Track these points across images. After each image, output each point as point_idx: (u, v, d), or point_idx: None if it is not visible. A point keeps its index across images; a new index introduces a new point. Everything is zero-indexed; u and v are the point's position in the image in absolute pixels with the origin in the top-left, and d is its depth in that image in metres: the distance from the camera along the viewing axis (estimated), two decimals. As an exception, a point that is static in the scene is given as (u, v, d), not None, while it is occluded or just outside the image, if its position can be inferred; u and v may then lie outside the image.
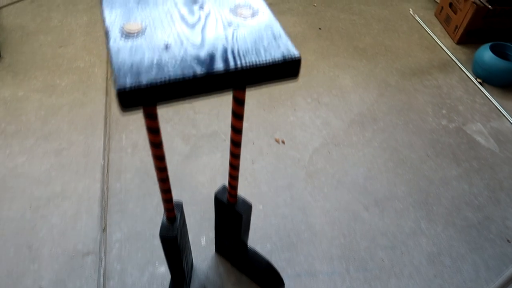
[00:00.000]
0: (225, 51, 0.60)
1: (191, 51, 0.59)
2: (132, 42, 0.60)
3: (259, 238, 1.47)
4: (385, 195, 1.63)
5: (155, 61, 0.57)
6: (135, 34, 0.62)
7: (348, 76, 2.16)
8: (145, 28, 0.63)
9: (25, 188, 1.54)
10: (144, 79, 0.54)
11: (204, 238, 1.46)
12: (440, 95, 2.12)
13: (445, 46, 2.46)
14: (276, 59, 0.60)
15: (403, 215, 1.57)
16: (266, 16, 0.69)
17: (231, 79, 0.59)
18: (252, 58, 0.60)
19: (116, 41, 0.60)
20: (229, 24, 0.66)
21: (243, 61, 0.58)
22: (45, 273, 1.32)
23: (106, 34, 0.62)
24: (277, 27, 0.66)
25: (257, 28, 0.65)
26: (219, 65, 0.57)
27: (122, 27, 0.63)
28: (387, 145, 1.82)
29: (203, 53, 0.60)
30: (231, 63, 0.58)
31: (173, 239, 1.04)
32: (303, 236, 1.48)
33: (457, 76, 2.26)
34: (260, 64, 0.59)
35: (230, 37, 0.63)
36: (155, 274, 1.34)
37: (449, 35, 2.56)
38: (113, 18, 0.65)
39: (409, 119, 1.96)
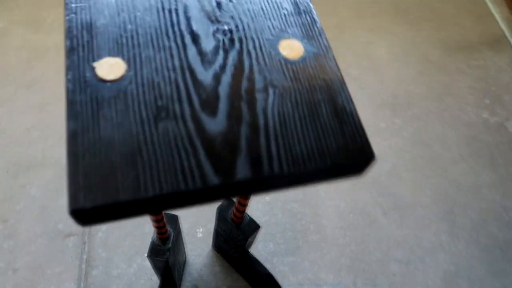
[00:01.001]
0: (256, 145, 0.37)
1: (199, 131, 0.36)
2: (104, 100, 0.37)
3: (262, 236, 1.32)
4: (407, 200, 1.45)
5: (137, 153, 0.35)
6: (111, 83, 0.38)
7: (385, 45, 1.86)
8: (129, 71, 0.39)
9: (3, 148, 1.35)
10: (117, 198, 0.32)
11: (201, 229, 1.31)
12: (485, 79, 1.84)
13: (500, 16, 2.10)
14: (339, 162, 0.37)
15: (424, 225, 1.40)
16: (325, 60, 0.44)
17: (254, 187, 0.37)
18: (300, 156, 0.37)
19: (77, 93, 0.37)
20: (266, 78, 0.41)
21: (284, 167, 0.36)
22: (20, 254, 1.19)
23: (66, 75, 0.38)
24: (344, 89, 0.42)
25: (312, 86, 0.41)
26: (244, 173, 0.35)
27: (93, 67, 0.39)
28: (418, 138, 1.60)
29: (219, 142, 0.37)
30: (265, 169, 0.35)
31: (164, 261, 0.88)
32: (311, 238, 1.33)
33: (508, 56, 1.95)
34: (311, 171, 0.36)
35: (267, 109, 0.39)
36: (143, 266, 1.21)
37: (506, 3, 2.18)
38: (80, 46, 0.40)
39: (446, 106, 1.71)
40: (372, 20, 1.96)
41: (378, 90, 1.70)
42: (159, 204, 0.34)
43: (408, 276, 1.30)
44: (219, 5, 0.46)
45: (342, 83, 0.42)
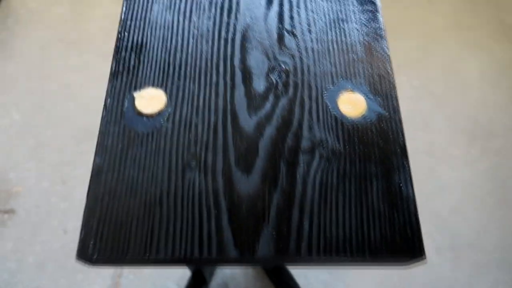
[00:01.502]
0: (286, 218, 0.33)
1: (228, 189, 0.33)
2: (136, 137, 0.35)
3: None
4: (467, 240, 1.32)
5: (157, 203, 0.32)
6: (147, 118, 0.35)
7: (477, 63, 1.67)
8: (168, 107, 0.36)
9: (72, 113, 1.43)
10: (125, 257, 0.30)
11: (241, 226, 1.29)
12: None
13: None
14: (379, 257, 0.32)
15: (481, 272, 1.27)
16: (389, 125, 0.38)
17: (275, 262, 0.32)
18: (334, 242, 0.32)
19: (111, 124, 0.35)
20: (315, 136, 0.36)
21: (314, 252, 0.31)
22: (73, 217, 1.26)
23: (105, 100, 0.36)
24: (404, 166, 0.36)
25: (366, 155, 0.36)
26: (266, 251, 0.31)
27: (133, 97, 0.36)
28: (494, 174, 1.43)
29: (247, 207, 0.33)
30: (291, 251, 0.31)
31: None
32: (351, 260, 1.27)
33: None
34: (344, 261, 0.32)
35: (308, 175, 0.35)
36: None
37: None
38: (126, 71, 0.38)
39: (536, 144, 1.51)
40: (468, 33, 1.76)
41: (458, 113, 1.54)
42: (168, 263, 0.32)
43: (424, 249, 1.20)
44: (280, 39, 0.41)
45: (404, 157, 0.36)
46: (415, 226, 0.33)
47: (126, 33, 0.40)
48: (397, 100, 0.39)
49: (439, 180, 1.40)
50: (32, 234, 1.26)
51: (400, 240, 0.33)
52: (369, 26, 0.42)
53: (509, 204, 1.38)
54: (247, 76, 0.39)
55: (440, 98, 1.57)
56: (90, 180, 0.33)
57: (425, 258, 0.33)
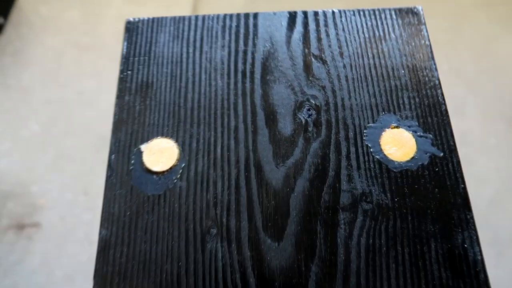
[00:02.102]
0: None
1: (256, 261, 0.28)
2: (146, 201, 0.30)
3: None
4: (509, 235, 1.23)
5: (175, 284, 0.27)
6: (158, 176, 0.30)
7: (513, 41, 1.54)
8: (181, 161, 0.31)
9: (91, 120, 1.40)
10: None
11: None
12: None
13: None
14: None
15: (526, 269, 1.19)
16: (446, 169, 0.32)
17: None
18: None
19: (116, 186, 0.30)
20: (357, 189, 0.31)
21: None
22: (98, 228, 1.25)
23: (109, 157, 0.31)
24: (468, 222, 0.30)
25: (420, 209, 0.30)
26: None
27: (141, 152, 0.31)
28: (537, 162, 1.33)
29: (281, 283, 0.28)
30: None
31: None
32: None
33: None
34: None
35: (351, 239, 0.30)
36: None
37: None
38: (131, 118, 0.33)
39: None
40: (502, 9, 1.62)
41: (495, 98, 1.43)
42: None
43: (496, 325, 1.13)
44: (307, 67, 0.35)
45: (467, 210, 0.30)
46: (486, 299, 0.27)
47: (129, 72, 0.35)
48: (452, 136, 0.32)
49: (476, 171, 1.31)
50: (59, 247, 1.26)
51: (469, 318, 0.27)
52: (413, 44, 0.35)
53: (555, 195, 1.29)
54: (270, 117, 0.33)
55: (472, 82, 1.46)
56: (97, 258, 0.29)
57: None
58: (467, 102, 1.44)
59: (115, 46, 1.54)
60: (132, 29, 0.36)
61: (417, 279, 0.28)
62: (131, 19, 0.37)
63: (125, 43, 0.36)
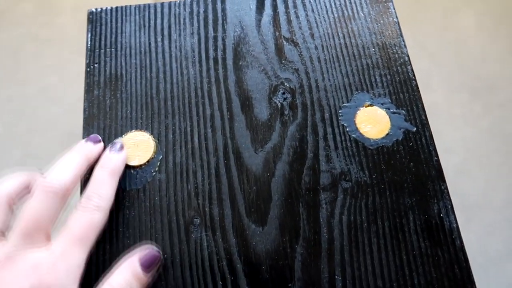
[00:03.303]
0: (315, 274, 0.29)
1: (242, 248, 0.28)
2: (125, 197, 0.30)
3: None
4: (477, 201, 1.30)
5: (162, 278, 0.27)
6: (135, 170, 0.30)
7: (473, 14, 1.59)
8: (158, 153, 0.31)
9: (58, 117, 1.35)
10: None
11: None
12: None
13: None
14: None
15: (493, 231, 1.26)
16: (419, 143, 0.33)
17: None
18: None
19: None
20: (335, 168, 0.31)
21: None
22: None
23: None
24: (443, 192, 0.31)
25: (397, 184, 0.31)
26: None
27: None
28: (499, 129, 1.40)
29: (268, 266, 0.29)
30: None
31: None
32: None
33: None
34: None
35: (333, 217, 0.31)
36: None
37: None
38: (102, 113, 0.32)
39: (540, 94, 1.46)
40: (460, -19, 1.66)
41: (457, 70, 1.48)
42: None
43: None
44: (279, 50, 0.34)
45: (441, 181, 0.31)
46: (463, 264, 0.29)
47: (96, 65, 0.33)
48: (424, 110, 0.33)
49: (442, 141, 1.36)
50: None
51: (448, 283, 0.28)
52: (381, 22, 0.35)
53: (516, 159, 1.35)
54: (246, 103, 0.33)
55: (435, 56, 1.50)
56: (79, 258, 0.28)
57: (478, 299, 0.29)
58: (432, 75, 1.48)
59: (76, 37, 1.48)
60: (95, 20, 0.35)
61: (398, 251, 0.29)
62: (93, 10, 0.35)
63: (89, 35, 0.34)
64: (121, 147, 0.30)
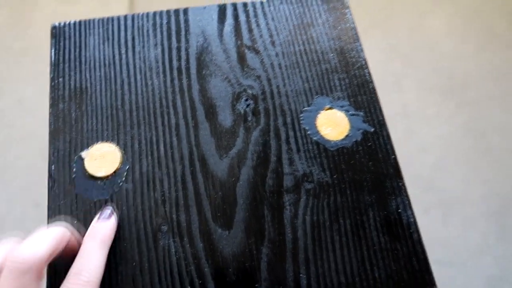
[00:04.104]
0: (280, 274, 0.30)
1: (209, 252, 0.29)
2: (92, 208, 0.30)
3: None
4: (454, 196, 1.33)
5: (130, 284, 0.28)
6: (102, 181, 0.31)
7: (443, 15, 1.64)
8: (125, 163, 0.31)
9: (36, 131, 1.34)
10: None
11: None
12: (560, 56, 1.60)
13: None
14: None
15: (471, 225, 1.29)
16: (377, 142, 0.34)
17: None
18: None
19: (60, 197, 0.30)
20: (298, 171, 0.33)
21: None
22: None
23: (49, 169, 0.31)
24: (400, 188, 0.32)
25: (357, 183, 0.32)
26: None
27: (82, 158, 0.31)
28: (473, 126, 1.44)
29: (234, 269, 0.29)
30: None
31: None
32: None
33: None
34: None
35: (296, 218, 0.31)
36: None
37: None
38: (68, 126, 0.33)
39: (509, 90, 1.51)
40: (429, -16, 1.71)
41: (430, 70, 1.52)
42: None
43: (448, 279, 1.22)
44: (241, 59, 0.36)
45: (398, 178, 0.32)
46: (421, 256, 0.30)
47: (60, 80, 0.34)
48: (381, 111, 0.34)
49: (418, 140, 1.40)
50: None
51: (407, 275, 0.29)
52: (339, 28, 0.37)
53: (490, 154, 1.40)
54: (210, 111, 0.34)
55: (408, 57, 1.54)
56: (48, 269, 0.28)
57: (436, 288, 0.30)
58: (405, 76, 1.51)
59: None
60: (58, 34, 0.35)
61: (359, 247, 0.30)
62: (56, 24, 0.36)
63: (53, 50, 0.35)
64: (111, 214, 0.29)
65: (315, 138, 0.33)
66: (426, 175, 1.36)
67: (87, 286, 0.25)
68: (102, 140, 0.32)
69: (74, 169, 0.31)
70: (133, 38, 0.36)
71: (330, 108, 0.34)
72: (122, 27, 0.36)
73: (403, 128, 1.44)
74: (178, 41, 0.36)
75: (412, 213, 0.31)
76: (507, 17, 1.66)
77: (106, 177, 0.31)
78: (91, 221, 0.30)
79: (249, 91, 0.34)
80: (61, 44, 0.35)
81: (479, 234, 1.28)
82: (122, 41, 0.36)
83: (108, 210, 0.30)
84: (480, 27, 1.62)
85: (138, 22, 0.36)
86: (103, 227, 0.28)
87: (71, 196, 0.30)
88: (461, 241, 1.27)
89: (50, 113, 0.33)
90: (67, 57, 0.35)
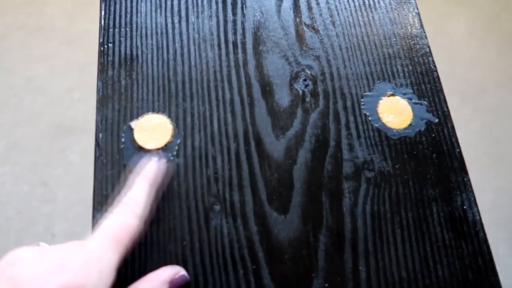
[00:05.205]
0: (338, 264, 0.28)
1: (264, 236, 0.27)
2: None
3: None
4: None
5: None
6: (153, 153, 0.29)
7: (464, 19, 1.61)
8: (177, 137, 0.29)
9: (44, 109, 1.32)
10: None
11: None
12: None
13: None
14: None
15: (481, 233, 1.28)
16: (441, 134, 0.32)
17: None
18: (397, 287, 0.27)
19: (107, 167, 0.28)
20: (358, 157, 0.31)
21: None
22: (58, 220, 1.19)
23: (96, 138, 0.29)
24: (465, 184, 0.31)
25: (420, 174, 0.31)
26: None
27: (131, 128, 0.29)
28: (487, 132, 1.42)
29: (290, 255, 0.28)
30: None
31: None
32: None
33: None
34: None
35: (356, 207, 0.30)
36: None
37: None
38: (117, 94, 0.31)
39: (527, 99, 1.49)
40: (453, -13, 1.69)
41: (448, 74, 1.50)
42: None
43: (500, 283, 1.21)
44: (300, 37, 0.34)
45: (464, 172, 0.30)
46: (486, 256, 0.29)
47: (110, 45, 0.32)
48: (446, 102, 0.33)
49: (434, 144, 1.38)
50: (18, 243, 1.18)
51: (472, 275, 0.28)
52: (402, 13, 0.35)
53: (504, 162, 1.38)
54: (266, 88, 0.32)
55: (428, 59, 1.52)
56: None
57: (502, 292, 0.29)
58: (423, 78, 1.49)
59: (65, 27, 1.45)
60: (109, -3, 0.33)
61: (422, 242, 0.28)
62: (108, -13, 0.34)
63: (103, 13, 0.33)
64: (167, 160, 0.29)
65: (376, 125, 0.31)
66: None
67: (134, 217, 0.25)
68: (153, 111, 0.30)
69: (123, 139, 0.29)
70: (186, 8, 0.34)
71: (392, 95, 0.32)
72: (176, -5, 0.34)
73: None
74: (234, 14, 0.34)
75: (478, 211, 0.30)
76: (528, 26, 1.63)
77: (156, 150, 0.29)
78: (140, 195, 0.28)
79: (308, 71, 0.33)
80: (112, 8, 0.33)
81: (490, 242, 1.26)
82: (176, 9, 0.34)
83: (164, 156, 0.29)
84: (500, 32, 1.60)
85: (193, -9, 0.34)
86: (158, 170, 0.28)
87: (119, 167, 0.29)
88: (470, 248, 1.26)
89: (99, 79, 0.31)
90: (117, 22, 0.33)
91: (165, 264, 0.27)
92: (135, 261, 0.27)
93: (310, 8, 0.35)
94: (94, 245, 0.23)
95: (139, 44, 0.32)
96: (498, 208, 1.31)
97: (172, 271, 0.25)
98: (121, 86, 0.31)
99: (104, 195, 0.28)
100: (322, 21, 0.34)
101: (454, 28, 1.59)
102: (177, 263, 0.27)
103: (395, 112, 0.32)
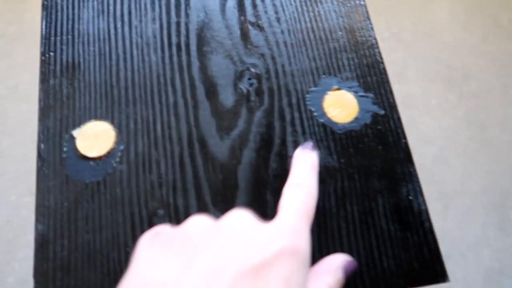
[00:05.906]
0: None
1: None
2: (85, 190, 0.28)
3: None
4: (454, 188, 1.32)
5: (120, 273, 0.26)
6: (95, 162, 0.29)
7: (446, 4, 1.61)
8: (119, 143, 0.29)
9: (29, 118, 1.31)
10: None
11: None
12: None
13: None
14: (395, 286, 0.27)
15: (470, 217, 1.29)
16: (387, 126, 0.32)
17: None
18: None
19: (50, 177, 0.28)
20: None
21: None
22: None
23: (38, 147, 0.29)
24: (411, 175, 0.31)
25: (366, 168, 0.31)
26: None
27: (73, 137, 0.29)
28: (474, 118, 1.42)
29: None
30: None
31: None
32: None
33: None
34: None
35: None
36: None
37: None
38: (58, 103, 0.31)
39: (511, 82, 1.49)
40: (433, -27, 1.68)
41: (432, 60, 1.50)
42: None
43: (447, 271, 1.22)
44: (245, 35, 0.33)
45: (409, 164, 0.30)
46: (432, 245, 0.29)
47: (51, 54, 0.32)
48: (392, 93, 0.32)
49: (420, 131, 1.38)
50: (9, 252, 1.19)
51: (418, 265, 0.28)
52: (348, 5, 0.35)
53: (491, 146, 1.38)
54: (210, 89, 0.32)
55: (411, 47, 1.52)
56: (35, 255, 0.27)
57: (449, 280, 0.29)
58: (408, 66, 1.49)
59: None
60: (50, 6, 0.33)
61: (367, 235, 0.28)
62: (48, -5, 0.33)
63: (44, 22, 0.33)
64: (313, 147, 0.29)
65: (321, 120, 0.31)
66: (427, 166, 1.34)
67: (311, 197, 0.25)
68: (96, 118, 0.30)
69: (65, 149, 0.29)
70: (129, 12, 0.34)
71: (338, 89, 0.32)
72: (118, 0, 0.34)
73: (405, 119, 1.42)
74: (178, 15, 0.34)
75: (424, 201, 0.30)
76: (511, 8, 1.63)
77: (99, 158, 0.29)
78: (82, 203, 0.28)
79: (253, 70, 0.32)
80: (53, 16, 0.33)
81: (479, 226, 1.27)
82: (118, 14, 0.33)
83: (310, 143, 0.29)
84: (483, 18, 1.60)
85: (135, -5, 0.34)
86: (311, 155, 0.28)
87: (61, 177, 0.28)
88: (460, 234, 1.26)
89: (40, 89, 0.31)
90: (59, 30, 0.33)
91: (108, 272, 0.27)
92: (78, 271, 0.27)
93: (254, 6, 0.35)
94: (292, 218, 0.24)
95: (81, 51, 0.32)
96: (486, 192, 1.32)
97: (343, 257, 0.26)
98: (63, 95, 0.31)
99: (46, 206, 0.28)
100: (267, 18, 0.34)
101: (437, 14, 1.59)
102: (121, 271, 0.27)
103: (341, 106, 0.32)
